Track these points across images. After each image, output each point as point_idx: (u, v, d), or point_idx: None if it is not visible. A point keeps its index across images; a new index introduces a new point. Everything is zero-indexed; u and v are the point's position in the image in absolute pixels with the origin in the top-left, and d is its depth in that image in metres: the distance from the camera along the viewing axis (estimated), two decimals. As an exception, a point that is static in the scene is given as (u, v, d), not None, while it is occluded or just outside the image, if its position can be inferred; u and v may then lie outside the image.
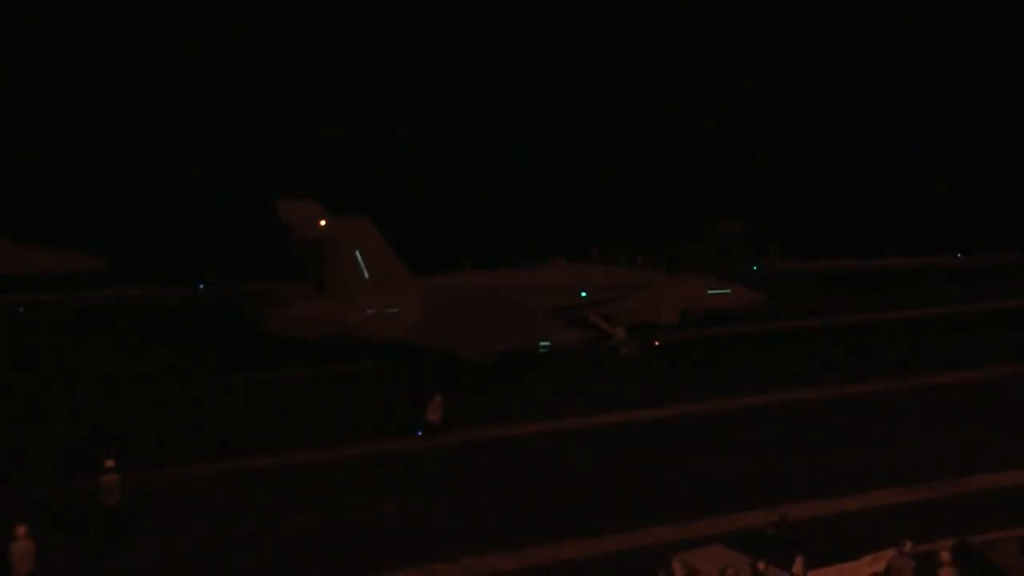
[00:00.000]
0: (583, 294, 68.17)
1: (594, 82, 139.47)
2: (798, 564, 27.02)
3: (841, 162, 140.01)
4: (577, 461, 43.30)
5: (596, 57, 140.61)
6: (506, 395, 56.03)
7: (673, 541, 32.23)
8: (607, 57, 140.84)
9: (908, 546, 27.23)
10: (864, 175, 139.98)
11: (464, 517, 36.54)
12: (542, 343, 62.57)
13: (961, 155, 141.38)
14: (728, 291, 74.99)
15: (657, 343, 68.89)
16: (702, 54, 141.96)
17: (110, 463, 34.14)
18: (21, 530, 29.41)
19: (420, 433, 47.36)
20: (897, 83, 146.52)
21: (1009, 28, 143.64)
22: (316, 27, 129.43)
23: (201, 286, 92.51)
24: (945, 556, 26.91)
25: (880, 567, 27.58)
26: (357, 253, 61.89)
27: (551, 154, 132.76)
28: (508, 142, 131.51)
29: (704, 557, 28.26)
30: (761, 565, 26.74)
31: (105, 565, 32.84)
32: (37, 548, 29.34)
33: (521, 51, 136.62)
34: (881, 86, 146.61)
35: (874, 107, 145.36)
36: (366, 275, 62.09)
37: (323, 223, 60.81)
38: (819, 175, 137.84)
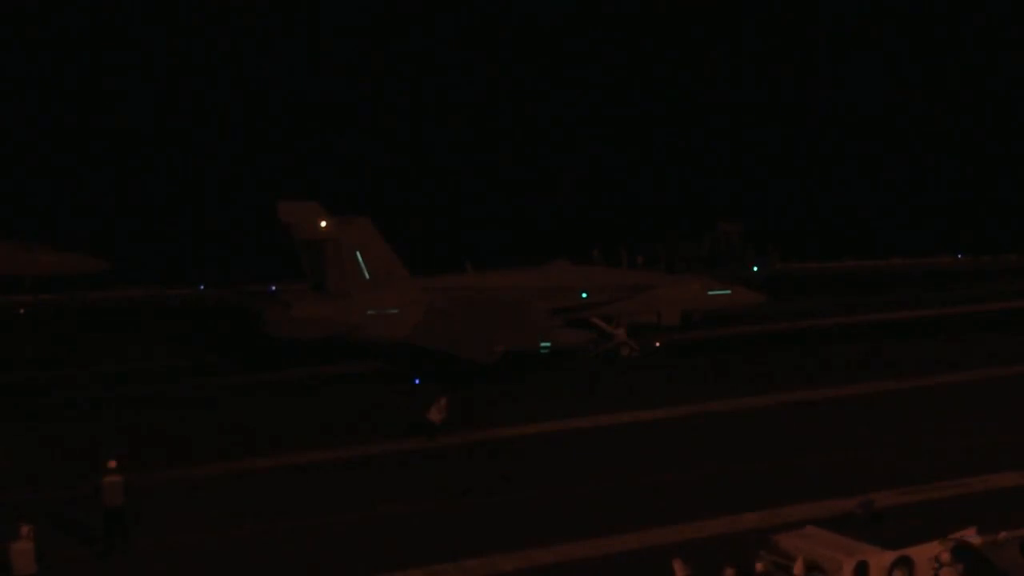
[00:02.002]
0: (584, 295, 68.21)
1: (595, 83, 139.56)
2: (798, 565, 27.06)
3: (841, 163, 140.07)
4: (577, 462, 43.32)
5: (597, 57, 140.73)
6: (507, 395, 56.05)
7: (674, 542, 32.30)
8: (608, 57, 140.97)
9: (973, 531, 28.28)
10: (864, 175, 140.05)
11: (464, 517, 36.57)
12: (543, 344, 62.64)
13: (962, 155, 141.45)
14: (728, 292, 74.91)
15: (658, 344, 68.94)
16: (703, 54, 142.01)
17: (112, 464, 34.15)
18: (24, 530, 29.38)
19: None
20: (897, 83, 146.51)
21: (1011, 27, 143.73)
22: (317, 29, 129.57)
23: (202, 287, 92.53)
24: (945, 556, 27.00)
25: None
26: (358, 253, 61.93)
27: (552, 155, 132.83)
28: (509, 143, 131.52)
29: (799, 538, 28.69)
30: (760, 565, 26.80)
31: (106, 565, 32.86)
32: (37, 549, 29.27)
33: (523, 51, 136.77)
34: (881, 86, 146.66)
35: (875, 107, 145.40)
36: (366, 275, 62.13)
37: (323, 223, 60.87)
38: (819, 176, 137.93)
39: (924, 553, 27.97)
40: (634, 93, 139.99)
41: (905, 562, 27.48)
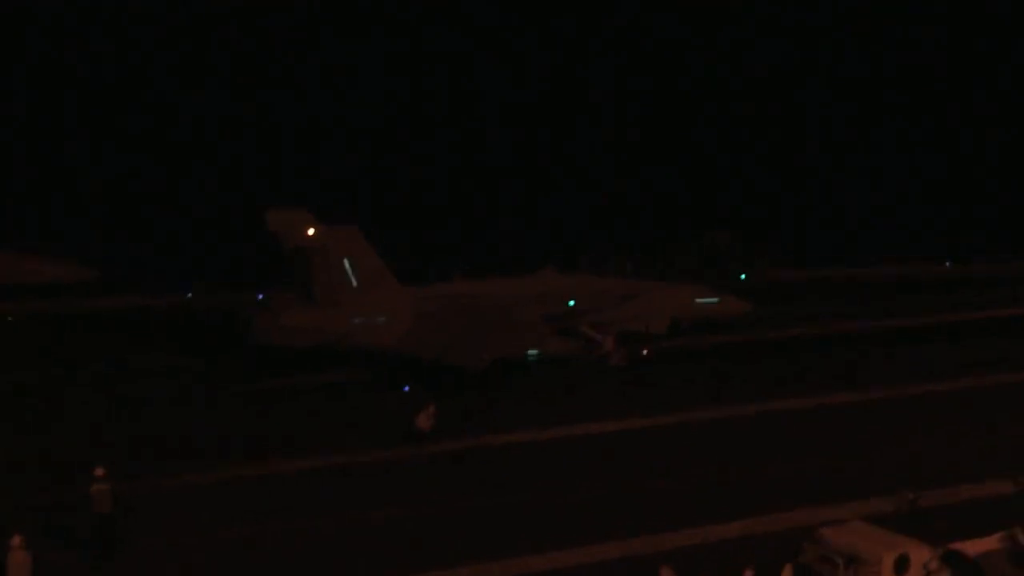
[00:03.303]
0: (571, 303, 68.23)
1: (592, 89, 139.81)
2: (786, 572, 27.08)
3: (834, 171, 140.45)
4: (567, 469, 43.26)
5: (593, 63, 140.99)
6: (495, 403, 55.96)
7: (664, 549, 32.36)
8: (604, 63, 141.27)
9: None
10: (856, 184, 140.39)
11: (455, 524, 36.50)
12: (531, 352, 62.61)
13: (957, 162, 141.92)
14: (717, 300, 75.17)
15: (646, 352, 68.92)
16: (700, 59, 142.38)
17: (100, 472, 34.03)
18: (17, 540, 29.16)
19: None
20: (894, 86, 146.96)
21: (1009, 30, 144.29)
22: (312, 33, 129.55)
23: (191, 295, 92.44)
24: (934, 564, 27.06)
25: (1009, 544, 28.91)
26: (346, 262, 61.84)
27: (543, 163, 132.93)
28: (503, 150, 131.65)
29: (845, 532, 29.37)
30: (749, 573, 26.80)
31: (98, 573, 32.72)
32: (34, 559, 29.11)
33: (518, 57, 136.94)
34: (878, 89, 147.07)
35: (872, 113, 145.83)
36: (355, 284, 62.04)
37: (312, 232, 60.77)
38: (811, 184, 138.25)
39: (968, 549, 28.44)
40: (632, 95, 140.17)
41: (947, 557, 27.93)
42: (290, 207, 62.26)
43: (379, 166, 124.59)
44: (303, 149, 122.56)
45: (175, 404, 58.13)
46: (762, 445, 46.31)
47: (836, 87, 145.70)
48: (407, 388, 58.57)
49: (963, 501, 37.32)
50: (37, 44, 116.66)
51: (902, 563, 27.36)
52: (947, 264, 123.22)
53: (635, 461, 44.34)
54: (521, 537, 34.58)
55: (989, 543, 28.85)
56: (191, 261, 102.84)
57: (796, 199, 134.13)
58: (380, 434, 48.69)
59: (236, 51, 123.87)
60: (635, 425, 50.54)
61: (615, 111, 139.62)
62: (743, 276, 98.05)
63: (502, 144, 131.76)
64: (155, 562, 33.42)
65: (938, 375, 60.21)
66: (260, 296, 76.26)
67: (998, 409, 51.58)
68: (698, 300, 74.56)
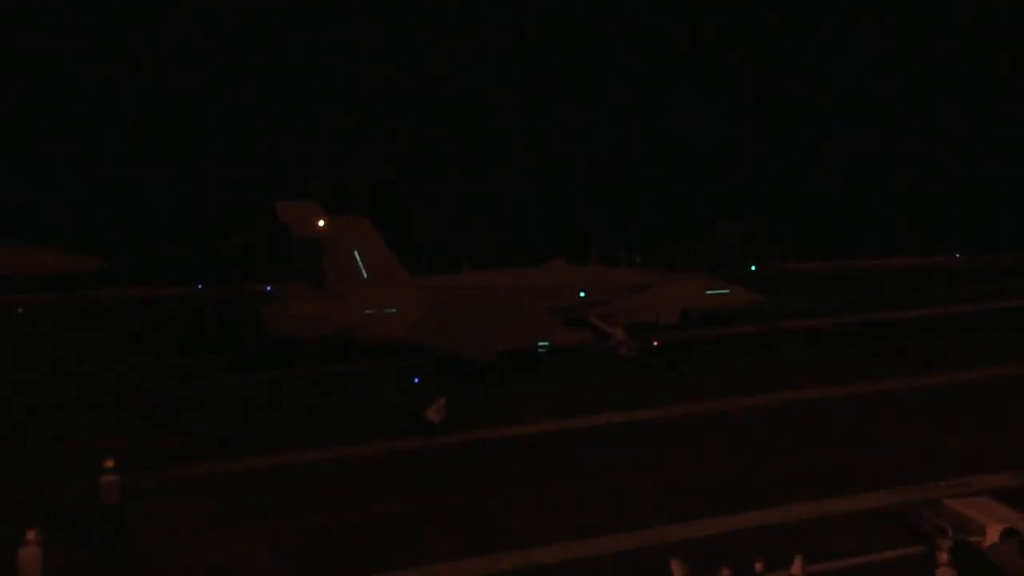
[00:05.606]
0: (582, 294, 68.23)
1: (595, 82, 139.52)
2: (797, 563, 27.06)
3: (840, 162, 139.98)
4: (576, 461, 43.27)
5: (596, 56, 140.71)
6: (505, 395, 56.00)
7: (673, 541, 32.38)
8: (607, 56, 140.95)
9: None
10: (863, 175, 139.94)
11: (463, 516, 36.55)
12: (541, 343, 62.64)
13: (960, 154, 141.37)
14: (727, 291, 75.17)
15: (656, 343, 68.90)
16: (702, 52, 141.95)
17: (109, 463, 34.16)
18: (31, 534, 29.28)
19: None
20: (895, 81, 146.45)
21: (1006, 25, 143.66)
22: (316, 25, 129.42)
23: (201, 286, 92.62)
24: (943, 557, 26.99)
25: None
26: (356, 253, 61.91)
27: (552, 154, 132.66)
28: (509, 142, 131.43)
29: (964, 504, 30.77)
30: (759, 566, 26.78)
31: (105, 564, 32.85)
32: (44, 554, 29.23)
33: (521, 50, 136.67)
34: (880, 84, 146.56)
35: (874, 106, 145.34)
36: (365, 275, 62.12)
37: (322, 223, 60.84)
38: (819, 175, 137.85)
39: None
40: (634, 91, 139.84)
41: None
42: (300, 198, 62.38)
43: (387, 157, 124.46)
44: (313, 139, 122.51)
45: (183, 396, 58.27)
46: (772, 436, 46.25)
47: (846, 74, 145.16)
48: (417, 380, 58.62)
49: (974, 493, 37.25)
50: (43, 32, 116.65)
51: (1008, 535, 28.12)
52: (956, 256, 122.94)
53: (644, 453, 44.32)
54: (529, 529, 34.62)
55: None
56: (204, 253, 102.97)
57: (805, 190, 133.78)
58: (390, 426, 48.79)
59: (248, 42, 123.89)
60: (644, 416, 50.49)
61: (622, 100, 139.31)
62: (753, 267, 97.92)
63: (513, 134, 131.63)
64: (162, 555, 33.53)
65: (950, 366, 60.07)
66: (268, 288, 76.47)
67: (1009, 400, 51.46)
68: (708, 291, 74.57)
